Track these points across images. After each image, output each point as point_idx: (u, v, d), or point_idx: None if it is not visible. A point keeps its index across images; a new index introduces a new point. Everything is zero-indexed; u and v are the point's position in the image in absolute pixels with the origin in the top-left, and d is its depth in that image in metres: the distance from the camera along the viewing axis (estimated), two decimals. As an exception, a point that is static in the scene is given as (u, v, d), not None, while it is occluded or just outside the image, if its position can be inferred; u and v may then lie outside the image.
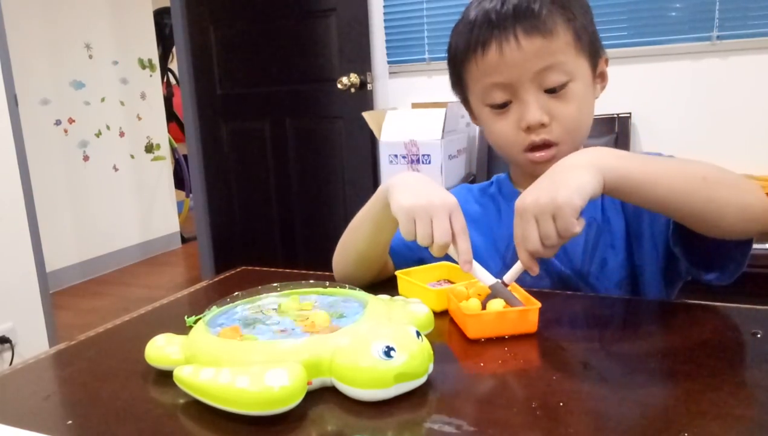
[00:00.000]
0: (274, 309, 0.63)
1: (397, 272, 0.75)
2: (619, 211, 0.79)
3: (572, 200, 0.57)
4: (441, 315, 0.68)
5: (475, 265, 0.64)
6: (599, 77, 0.80)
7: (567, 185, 0.58)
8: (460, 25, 0.79)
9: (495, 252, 0.82)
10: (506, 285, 0.64)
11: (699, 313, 0.66)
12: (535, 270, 0.62)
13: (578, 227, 0.58)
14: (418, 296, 0.69)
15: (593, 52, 0.77)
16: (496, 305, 0.62)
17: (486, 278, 0.64)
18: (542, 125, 0.74)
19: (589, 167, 0.60)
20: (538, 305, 0.61)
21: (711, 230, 0.64)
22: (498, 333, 0.61)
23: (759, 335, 0.59)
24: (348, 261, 0.81)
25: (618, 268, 0.78)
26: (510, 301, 0.62)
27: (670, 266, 0.77)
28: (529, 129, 0.75)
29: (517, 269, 0.64)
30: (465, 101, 0.85)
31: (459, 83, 0.82)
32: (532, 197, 0.60)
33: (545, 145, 0.75)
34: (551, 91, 0.74)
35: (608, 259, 0.78)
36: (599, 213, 0.79)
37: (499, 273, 0.65)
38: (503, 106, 0.76)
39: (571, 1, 0.74)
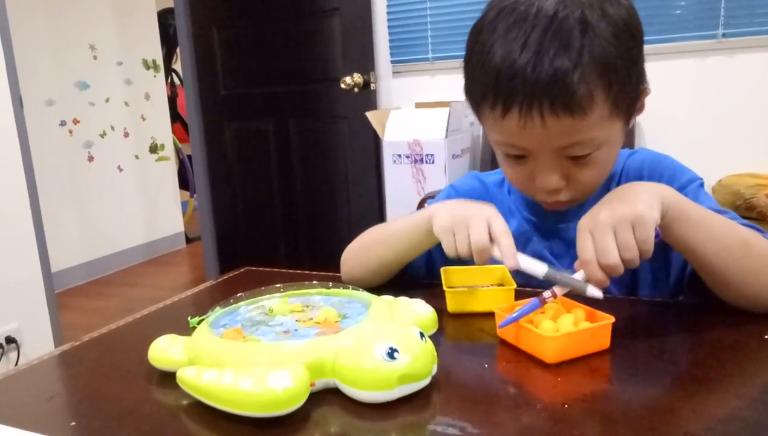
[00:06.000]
0: (267, 311, 0.63)
1: (443, 269, 0.73)
2: None
3: (652, 211, 0.57)
4: (452, 316, 0.68)
5: (522, 258, 0.62)
6: (637, 110, 0.71)
7: (641, 200, 0.57)
8: (478, 55, 0.66)
9: None
10: (556, 296, 0.59)
11: (707, 314, 0.65)
12: (606, 284, 0.58)
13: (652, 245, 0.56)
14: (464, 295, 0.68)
15: (633, 101, 0.67)
16: (567, 320, 0.57)
17: (537, 269, 0.61)
18: (557, 190, 0.69)
19: (654, 193, 0.59)
20: (612, 319, 0.56)
21: (717, 286, 0.65)
22: (575, 354, 0.55)
23: (767, 337, 0.58)
24: (366, 265, 0.79)
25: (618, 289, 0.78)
26: (570, 284, 0.58)
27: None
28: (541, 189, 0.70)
29: (572, 283, 0.59)
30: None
31: (475, 108, 0.71)
32: (606, 211, 0.57)
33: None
34: (572, 158, 0.67)
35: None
36: None
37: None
38: (519, 158, 0.70)
39: (616, 52, 0.62)
